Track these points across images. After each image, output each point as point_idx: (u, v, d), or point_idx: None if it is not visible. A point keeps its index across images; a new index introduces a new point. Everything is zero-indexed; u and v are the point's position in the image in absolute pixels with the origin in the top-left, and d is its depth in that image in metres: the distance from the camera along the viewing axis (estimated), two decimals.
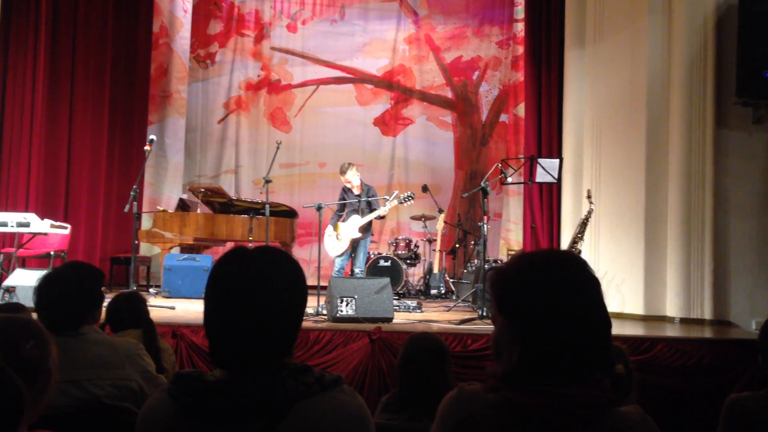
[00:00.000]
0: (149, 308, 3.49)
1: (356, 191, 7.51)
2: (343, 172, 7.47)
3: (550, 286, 1.30)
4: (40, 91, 8.22)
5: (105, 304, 2.82)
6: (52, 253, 7.46)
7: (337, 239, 7.42)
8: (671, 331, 5.75)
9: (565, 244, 7.28)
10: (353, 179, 7.46)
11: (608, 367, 1.33)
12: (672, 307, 6.43)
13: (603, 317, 1.32)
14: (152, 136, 6.88)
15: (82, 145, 8.65)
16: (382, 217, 7.55)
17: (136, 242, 6.67)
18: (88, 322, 2.45)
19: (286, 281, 1.40)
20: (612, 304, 6.80)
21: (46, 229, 6.91)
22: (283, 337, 1.39)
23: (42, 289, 2.46)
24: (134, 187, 6.38)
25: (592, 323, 1.30)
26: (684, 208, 6.41)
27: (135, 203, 6.37)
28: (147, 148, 6.60)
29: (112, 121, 8.98)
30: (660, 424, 1.35)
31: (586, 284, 1.32)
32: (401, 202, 7.28)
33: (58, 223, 7.27)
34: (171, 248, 7.85)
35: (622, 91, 6.99)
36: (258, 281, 1.37)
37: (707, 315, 6.22)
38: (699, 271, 6.30)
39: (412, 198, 7.33)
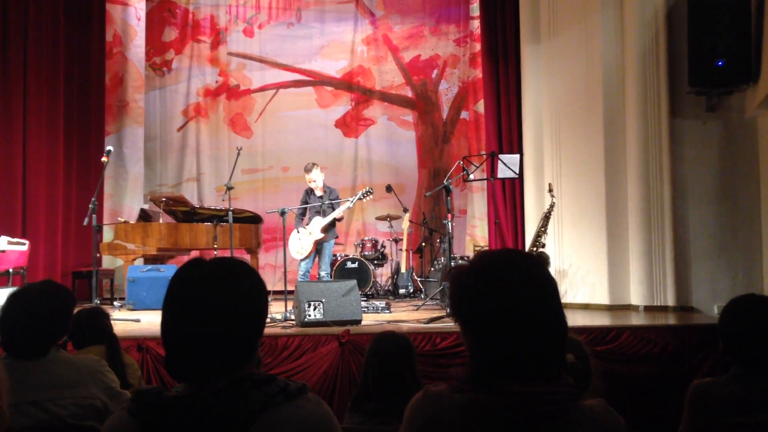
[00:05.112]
0: (113, 322, 3.44)
1: (319, 192, 7.50)
2: (308, 170, 7.46)
3: (504, 287, 1.30)
4: None
5: None
6: (11, 270, 7.28)
7: (308, 234, 7.34)
8: (636, 320, 5.83)
9: (529, 238, 7.35)
10: (317, 178, 7.45)
11: (566, 363, 1.34)
12: (636, 296, 6.54)
13: (558, 316, 1.32)
14: (109, 147, 6.76)
15: (38, 160, 8.45)
16: (340, 219, 7.53)
17: (98, 255, 6.56)
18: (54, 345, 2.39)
19: (244, 291, 1.37)
20: (579, 296, 6.89)
21: (4, 246, 6.77)
22: (242, 347, 1.36)
23: (9, 311, 2.34)
24: (93, 199, 6.27)
25: (546, 322, 1.30)
26: (643, 198, 6.52)
27: (94, 216, 6.26)
28: (104, 159, 6.50)
29: (68, 133, 8.80)
30: (628, 413, 1.37)
31: (540, 284, 1.33)
32: (361, 198, 7.29)
33: (16, 240, 7.11)
34: (134, 260, 7.72)
35: (578, 85, 7.08)
36: (215, 291, 1.34)
37: (670, 302, 6.34)
38: (660, 259, 6.41)
39: (371, 193, 7.35)
